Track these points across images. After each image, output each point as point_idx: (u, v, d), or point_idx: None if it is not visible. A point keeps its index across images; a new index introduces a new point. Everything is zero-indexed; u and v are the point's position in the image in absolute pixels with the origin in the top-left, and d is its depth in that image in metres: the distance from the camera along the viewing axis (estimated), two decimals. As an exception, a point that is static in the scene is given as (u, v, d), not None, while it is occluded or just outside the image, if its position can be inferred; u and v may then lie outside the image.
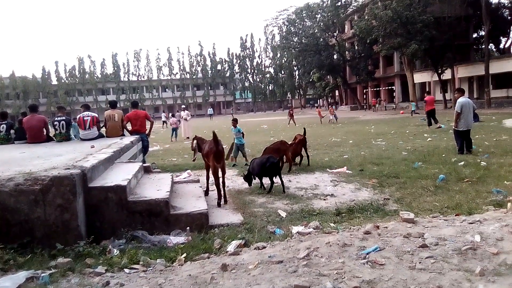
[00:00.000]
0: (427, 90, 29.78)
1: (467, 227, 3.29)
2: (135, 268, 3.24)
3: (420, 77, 39.55)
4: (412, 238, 3.12)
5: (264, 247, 3.55)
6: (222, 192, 5.61)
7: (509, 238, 2.93)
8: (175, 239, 4.03)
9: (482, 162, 7.65)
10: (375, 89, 50.08)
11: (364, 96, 52.24)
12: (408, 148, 10.97)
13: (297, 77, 70.37)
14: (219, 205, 5.49)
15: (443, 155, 9.12)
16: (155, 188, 5.04)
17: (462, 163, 7.75)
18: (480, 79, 34.31)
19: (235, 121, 10.40)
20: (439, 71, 33.74)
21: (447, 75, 34.42)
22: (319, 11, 48.68)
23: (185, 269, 3.10)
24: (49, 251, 3.64)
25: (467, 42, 39.57)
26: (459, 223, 3.44)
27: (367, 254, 2.92)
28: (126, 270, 3.20)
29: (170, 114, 25.11)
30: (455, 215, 3.89)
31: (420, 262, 2.68)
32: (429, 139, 13.11)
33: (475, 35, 42.36)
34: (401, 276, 2.48)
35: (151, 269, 3.17)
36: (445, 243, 2.98)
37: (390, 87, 46.75)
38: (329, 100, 61.24)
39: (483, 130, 14.10)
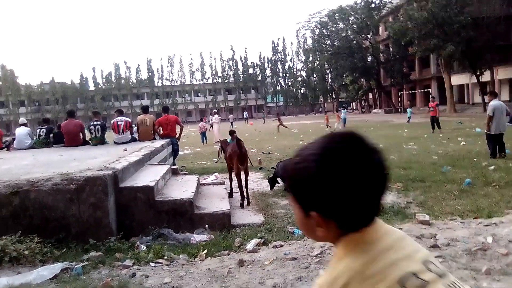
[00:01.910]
0: (432, 95, 27.97)
1: (481, 229, 3.31)
2: (159, 262, 3.47)
3: (457, 79, 38.33)
4: (424, 239, 3.18)
5: (282, 246, 3.70)
6: (245, 194, 5.80)
7: (521, 241, 2.95)
8: (198, 237, 4.25)
9: (513, 167, 7.45)
10: (410, 91, 48.93)
11: (399, 99, 51.16)
12: (440, 152, 10.77)
13: (330, 80, 69.76)
14: (242, 206, 5.69)
15: (475, 159, 8.92)
16: (181, 189, 5.29)
17: (493, 167, 7.57)
18: (522, 81, 32.90)
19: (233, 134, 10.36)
20: (478, 73, 32.59)
21: (486, 77, 33.17)
22: (352, 13, 48.13)
23: (205, 263, 3.29)
24: (82, 246, 3.95)
25: (508, 42, 37.99)
26: (474, 225, 3.46)
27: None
28: (152, 264, 3.43)
29: (200, 119, 25.51)
30: (474, 218, 3.89)
31: (428, 262, 2.75)
32: (462, 143, 12.79)
33: (516, 35, 40.64)
34: (407, 274, 2.56)
35: (174, 263, 3.39)
36: (457, 244, 3.03)
37: (426, 90, 45.54)
38: (363, 103, 60.32)
39: (520, 133, 13.58)
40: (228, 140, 10.30)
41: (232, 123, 20.78)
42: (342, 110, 29.12)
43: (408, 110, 29.61)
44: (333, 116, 26.81)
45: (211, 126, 21.80)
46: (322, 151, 0.95)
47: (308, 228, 1.01)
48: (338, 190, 0.92)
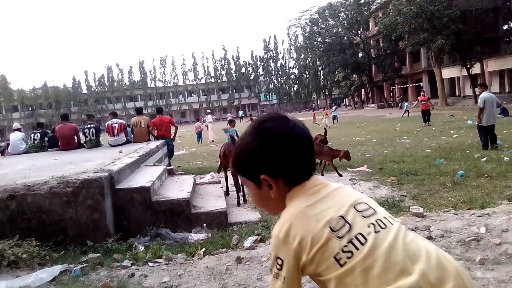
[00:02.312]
0: (422, 89, 28.18)
1: (474, 220, 3.37)
2: (158, 262, 3.49)
3: (448, 73, 38.61)
4: (418, 231, 3.23)
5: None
6: (241, 192, 5.84)
7: (513, 229, 3.01)
8: (196, 236, 4.28)
9: (505, 158, 7.55)
10: (402, 86, 49.20)
11: (391, 94, 51.41)
12: (432, 145, 10.88)
13: (322, 77, 70.00)
14: (238, 204, 5.72)
15: (467, 151, 9.02)
16: (178, 189, 5.32)
17: (485, 158, 7.67)
18: (512, 72, 33.21)
19: (232, 123, 10.48)
20: (468, 66, 32.85)
21: (476, 69, 33.44)
22: (342, 9, 48.30)
23: (203, 262, 3.32)
24: (80, 248, 3.96)
25: (497, 34, 38.32)
26: (468, 216, 3.52)
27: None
28: (150, 264, 3.46)
29: (196, 119, 25.53)
30: (467, 209, 3.95)
31: (423, 253, 2.80)
32: (455, 135, 12.92)
33: (505, 27, 40.98)
34: (403, 266, 2.61)
35: (172, 263, 3.42)
36: (451, 235, 3.08)
37: (417, 84, 45.81)
38: (355, 99, 60.54)
39: (511, 125, 13.75)
40: (227, 130, 10.20)
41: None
42: (333, 107, 29.26)
43: (405, 104, 29.38)
44: (320, 113, 26.81)
45: (207, 126, 21.80)
46: (256, 131, 1.28)
47: (262, 197, 1.32)
48: (276, 154, 1.24)
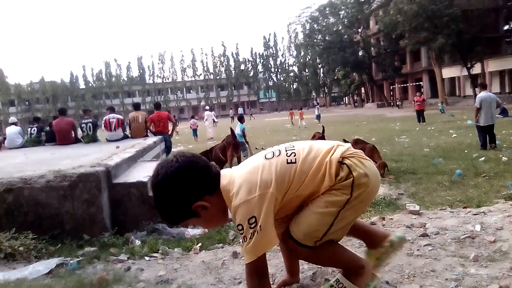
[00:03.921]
0: (422, 89, 28.33)
1: (470, 218, 3.38)
2: (154, 256, 3.50)
3: (448, 72, 38.63)
4: (414, 228, 3.24)
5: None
6: None
7: (508, 228, 3.02)
8: (192, 231, 4.29)
9: (503, 158, 7.58)
10: (402, 85, 49.21)
11: (391, 93, 51.43)
12: (431, 144, 10.90)
13: (322, 75, 69.97)
14: None
15: (466, 151, 9.05)
16: (175, 184, 5.31)
17: (483, 158, 7.69)
18: (512, 73, 33.25)
19: (243, 119, 10.41)
20: (468, 66, 32.86)
21: (476, 69, 33.47)
22: (342, 7, 48.25)
23: (199, 256, 3.33)
24: (77, 242, 3.96)
25: (497, 34, 38.35)
26: (463, 214, 3.53)
27: (370, 243, 3.07)
28: (146, 258, 3.46)
29: (191, 116, 25.56)
30: (463, 208, 3.97)
31: (418, 250, 2.81)
32: (454, 135, 12.95)
33: (506, 27, 41.00)
34: (398, 262, 2.62)
35: (169, 257, 3.42)
36: (446, 232, 3.09)
37: (418, 83, 45.82)
38: (355, 98, 60.52)
39: (511, 125, 13.78)
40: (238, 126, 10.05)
41: (232, 117, 21.30)
42: (316, 107, 29.50)
43: (440, 104, 26.52)
44: (297, 113, 26.93)
45: (215, 122, 21.69)
46: (155, 188, 1.68)
47: (208, 217, 1.70)
48: (184, 185, 1.61)
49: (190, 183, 1.62)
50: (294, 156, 1.74)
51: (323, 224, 1.73)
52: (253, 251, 1.62)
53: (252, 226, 1.58)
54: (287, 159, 1.73)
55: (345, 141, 7.56)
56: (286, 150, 1.78)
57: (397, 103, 42.01)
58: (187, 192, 1.62)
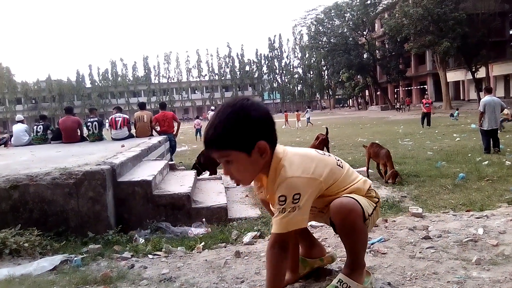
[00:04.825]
0: (426, 92, 28.47)
1: (473, 221, 3.39)
2: (157, 254, 3.52)
3: (453, 76, 38.52)
4: (417, 230, 3.25)
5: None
6: None
7: (511, 231, 3.02)
8: (196, 230, 4.32)
9: (507, 162, 7.56)
10: (406, 88, 49.10)
11: (395, 96, 51.31)
12: (435, 148, 10.88)
13: (326, 77, 69.94)
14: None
15: (469, 154, 9.03)
16: (179, 183, 5.35)
17: (486, 162, 7.68)
18: (517, 77, 33.09)
19: None
20: (473, 69, 32.74)
21: (481, 73, 33.34)
22: (348, 10, 48.23)
23: (202, 255, 3.35)
24: (81, 239, 4.00)
25: (503, 38, 38.18)
26: (466, 218, 3.54)
27: (372, 244, 3.08)
28: (150, 256, 3.49)
29: (196, 117, 25.89)
30: (466, 211, 3.97)
31: (420, 252, 2.82)
32: (457, 139, 12.92)
33: (511, 32, 40.82)
34: (400, 264, 2.63)
35: (172, 255, 3.45)
36: (448, 235, 3.09)
37: (422, 87, 45.70)
38: (359, 100, 60.44)
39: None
40: None
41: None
42: (307, 109, 30.15)
43: (456, 112, 24.63)
44: (293, 115, 27.94)
45: None
46: (243, 105, 1.63)
47: (253, 163, 1.67)
48: (267, 122, 1.65)
49: (268, 121, 1.68)
50: (341, 163, 1.97)
51: (369, 207, 1.95)
52: (286, 225, 1.72)
53: (295, 201, 1.68)
54: (336, 162, 1.94)
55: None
56: (333, 156, 2.01)
57: (396, 106, 41.94)
58: (264, 125, 1.66)
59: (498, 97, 10.66)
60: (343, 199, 1.87)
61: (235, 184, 1.95)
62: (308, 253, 2.33)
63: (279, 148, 1.78)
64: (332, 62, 53.81)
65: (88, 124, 8.94)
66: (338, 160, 1.98)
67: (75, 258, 3.32)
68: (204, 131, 1.76)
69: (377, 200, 2.03)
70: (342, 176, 1.91)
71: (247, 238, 3.88)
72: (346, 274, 1.99)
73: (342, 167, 1.94)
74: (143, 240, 4.01)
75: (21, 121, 10.01)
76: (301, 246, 2.36)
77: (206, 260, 3.17)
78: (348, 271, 2.00)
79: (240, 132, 1.61)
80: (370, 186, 2.03)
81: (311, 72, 72.97)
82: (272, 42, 77.54)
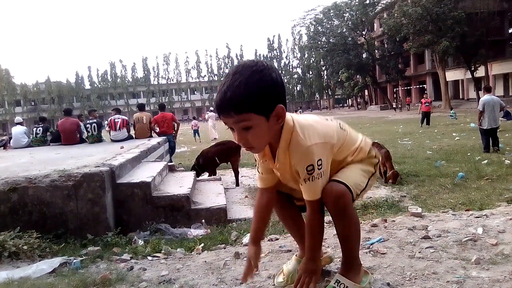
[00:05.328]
0: (426, 91, 28.48)
1: (472, 221, 3.38)
2: (157, 256, 3.52)
3: (452, 75, 38.51)
4: (416, 230, 3.25)
5: (277, 239, 3.75)
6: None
7: (510, 231, 3.01)
8: (195, 231, 4.31)
9: (506, 161, 7.56)
10: (405, 88, 49.11)
11: (395, 95, 51.32)
12: (434, 147, 10.88)
13: (325, 77, 69.97)
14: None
15: (468, 154, 9.03)
16: (178, 185, 5.35)
17: (486, 161, 7.68)
18: (517, 76, 33.08)
19: None
20: (472, 69, 32.74)
21: (480, 72, 33.33)
22: (347, 9, 48.24)
23: (201, 257, 3.34)
24: (80, 241, 4.00)
25: (502, 37, 38.18)
26: (465, 217, 3.53)
27: (371, 244, 3.07)
28: (149, 258, 3.48)
29: (192, 117, 25.88)
30: (465, 211, 3.97)
31: (419, 252, 2.82)
32: (457, 138, 12.91)
33: (511, 30, 40.80)
34: (399, 264, 2.63)
35: (171, 257, 3.44)
36: (448, 235, 3.09)
37: (421, 86, 45.71)
38: (358, 100, 60.45)
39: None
40: None
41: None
42: (299, 110, 29.96)
43: (452, 111, 24.74)
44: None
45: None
46: (264, 68, 1.55)
47: (270, 128, 1.62)
48: (283, 86, 1.59)
49: (283, 85, 1.64)
50: (343, 125, 1.99)
51: (363, 182, 1.97)
52: (318, 190, 1.78)
53: (319, 167, 1.72)
54: (339, 125, 1.96)
55: None
56: (334, 119, 2.01)
57: (394, 106, 41.93)
58: (282, 88, 1.62)
59: (497, 96, 10.66)
60: (333, 184, 1.84)
61: (245, 151, 2.00)
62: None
63: (288, 115, 1.74)
64: (331, 62, 53.79)
65: (87, 125, 8.94)
66: (340, 123, 2.01)
67: (74, 261, 3.32)
68: (216, 95, 1.64)
69: (377, 161, 2.07)
70: (347, 140, 1.95)
71: (246, 239, 3.88)
72: (343, 273, 1.99)
73: (344, 130, 1.97)
74: (142, 242, 4.00)
75: (20, 123, 10.01)
76: (299, 247, 2.35)
77: (205, 261, 3.16)
78: (344, 270, 2.00)
79: (263, 94, 1.53)
80: (370, 146, 2.10)
81: (310, 72, 72.99)
82: (271, 42, 77.66)
